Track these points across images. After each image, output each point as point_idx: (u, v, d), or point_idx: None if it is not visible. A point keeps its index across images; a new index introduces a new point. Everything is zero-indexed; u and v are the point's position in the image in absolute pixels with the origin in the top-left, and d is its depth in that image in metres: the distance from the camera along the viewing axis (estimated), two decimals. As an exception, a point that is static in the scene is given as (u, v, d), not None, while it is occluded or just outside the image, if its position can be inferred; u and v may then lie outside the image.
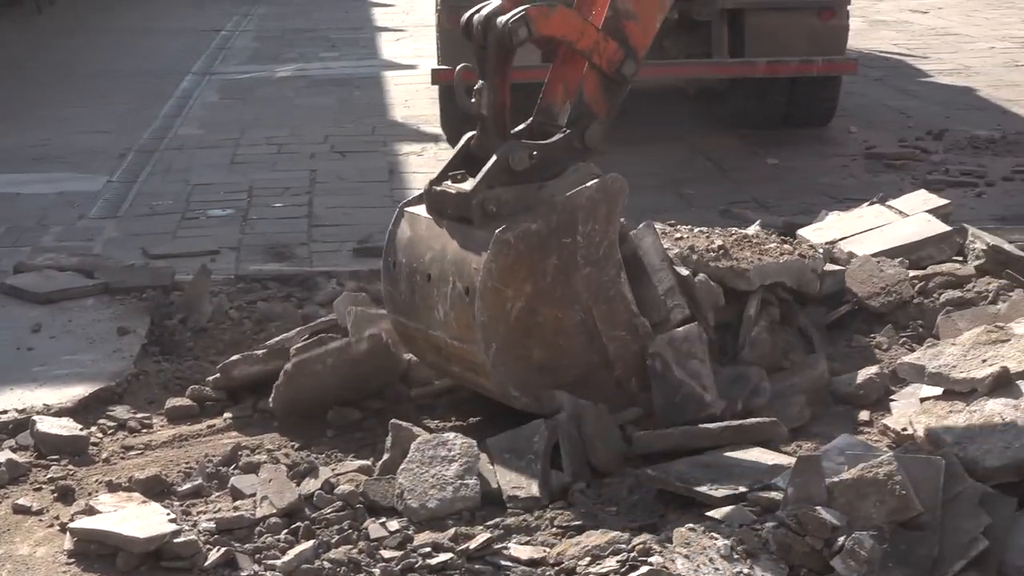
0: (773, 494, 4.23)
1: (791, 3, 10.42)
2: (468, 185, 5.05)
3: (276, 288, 7.02)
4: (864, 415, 5.19)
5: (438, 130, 11.27)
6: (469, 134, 5.27)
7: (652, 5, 5.28)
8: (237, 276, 7.28)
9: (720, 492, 4.33)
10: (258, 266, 7.66)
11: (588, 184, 5.06)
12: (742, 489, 4.34)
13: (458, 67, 5.19)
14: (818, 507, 3.98)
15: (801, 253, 5.96)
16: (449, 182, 5.17)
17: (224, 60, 16.28)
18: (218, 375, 5.62)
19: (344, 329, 5.60)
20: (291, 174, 10.13)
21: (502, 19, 4.99)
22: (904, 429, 4.77)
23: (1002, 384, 4.54)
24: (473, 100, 5.12)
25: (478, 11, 5.15)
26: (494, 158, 4.99)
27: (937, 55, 15.51)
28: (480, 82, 5.12)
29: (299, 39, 17.96)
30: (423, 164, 10.39)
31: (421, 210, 5.31)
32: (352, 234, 8.25)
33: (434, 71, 10.67)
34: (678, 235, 6.02)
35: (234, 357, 5.63)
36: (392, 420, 4.90)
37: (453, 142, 10.88)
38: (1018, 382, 4.55)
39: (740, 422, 4.85)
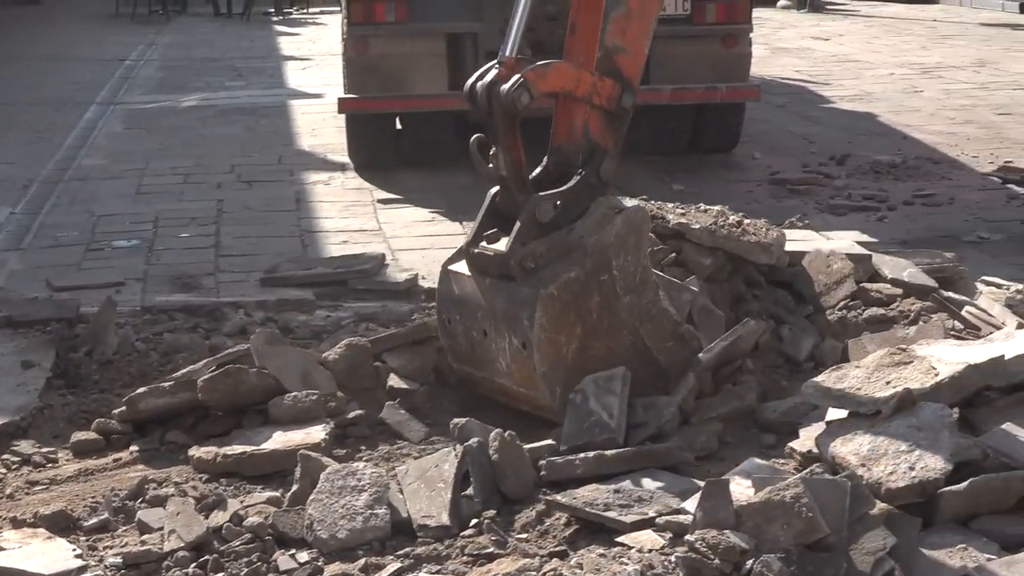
0: (682, 518, 4.25)
1: (695, 32, 10.51)
2: (503, 245, 5.29)
3: (183, 319, 6.94)
4: (771, 438, 5.22)
5: (345, 159, 11.25)
6: (493, 191, 5.49)
7: (639, 35, 5.51)
8: (143, 307, 7.20)
9: (629, 517, 4.34)
10: (164, 297, 7.57)
11: (614, 221, 5.31)
12: (651, 514, 4.36)
13: (472, 138, 5.39)
14: (727, 531, 4.00)
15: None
16: (485, 243, 5.41)
17: (129, 90, 16.16)
18: (124, 408, 5.55)
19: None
20: (197, 204, 10.06)
21: (504, 88, 5.19)
22: (810, 452, 4.81)
23: (905, 406, 4.59)
24: (491, 165, 5.35)
25: (480, 79, 5.35)
26: (522, 216, 5.24)
27: (839, 81, 15.71)
28: (493, 147, 5.33)
29: (205, 68, 17.87)
30: (330, 193, 10.37)
31: (462, 267, 5.55)
32: (259, 264, 8.20)
33: (341, 100, 10.68)
34: (680, 210, 6.39)
35: (140, 390, 5.56)
36: (301, 451, 4.88)
37: (360, 170, 10.95)
38: (921, 403, 4.60)
39: (649, 447, 4.88)
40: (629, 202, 5.63)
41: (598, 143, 5.43)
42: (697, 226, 6.17)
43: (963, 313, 6.17)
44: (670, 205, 6.57)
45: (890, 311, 6.21)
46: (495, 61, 5.36)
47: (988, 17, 23.23)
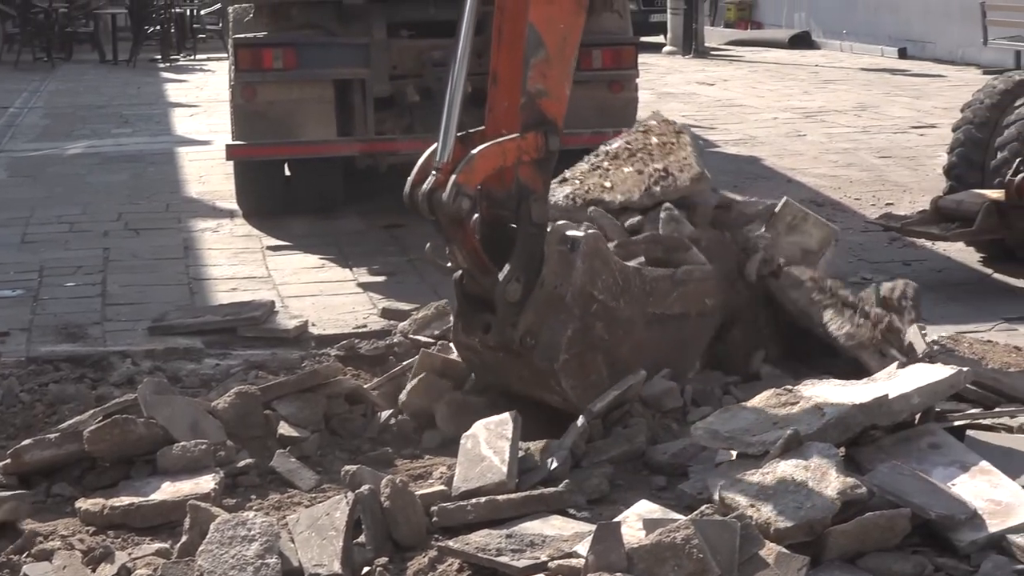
0: (574, 562, 4.25)
1: (581, 77, 10.51)
2: (488, 335, 5.52)
3: (69, 369, 6.85)
4: (661, 480, 5.24)
5: (234, 205, 11.18)
6: (457, 275, 5.63)
7: (560, 78, 5.69)
8: (28, 358, 7.09)
9: (522, 562, 4.33)
10: (50, 347, 7.46)
11: (576, 264, 5.50)
12: (544, 558, 4.35)
13: (426, 248, 5.74)
14: (618, 573, 4.01)
15: None
16: (465, 336, 5.67)
17: (13, 138, 15.94)
18: (9, 460, 5.45)
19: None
20: (84, 252, 9.93)
21: (443, 197, 5.26)
22: (700, 493, 4.84)
23: (792, 446, 4.64)
24: (449, 263, 5.59)
25: (417, 187, 5.44)
26: (497, 307, 5.43)
27: (724, 126, 15.90)
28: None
29: (91, 116, 17.69)
30: (219, 240, 10.29)
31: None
32: (147, 312, 8.11)
33: (229, 146, 10.61)
34: (607, 183, 6.66)
35: (26, 441, 5.47)
36: (190, 501, 4.82)
37: (248, 217, 10.88)
38: (808, 443, 4.65)
39: (540, 491, 4.87)
40: (572, 231, 5.66)
41: (527, 186, 5.52)
42: (636, 196, 6.44)
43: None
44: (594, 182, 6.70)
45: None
46: (433, 166, 5.44)
47: (868, 62, 23.64)
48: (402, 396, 6.00)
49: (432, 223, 5.48)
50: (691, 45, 25.06)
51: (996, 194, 8.45)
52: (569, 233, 5.61)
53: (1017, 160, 8.53)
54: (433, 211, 5.35)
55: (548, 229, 5.58)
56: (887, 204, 11.00)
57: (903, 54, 24.24)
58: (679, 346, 5.81)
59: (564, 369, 5.39)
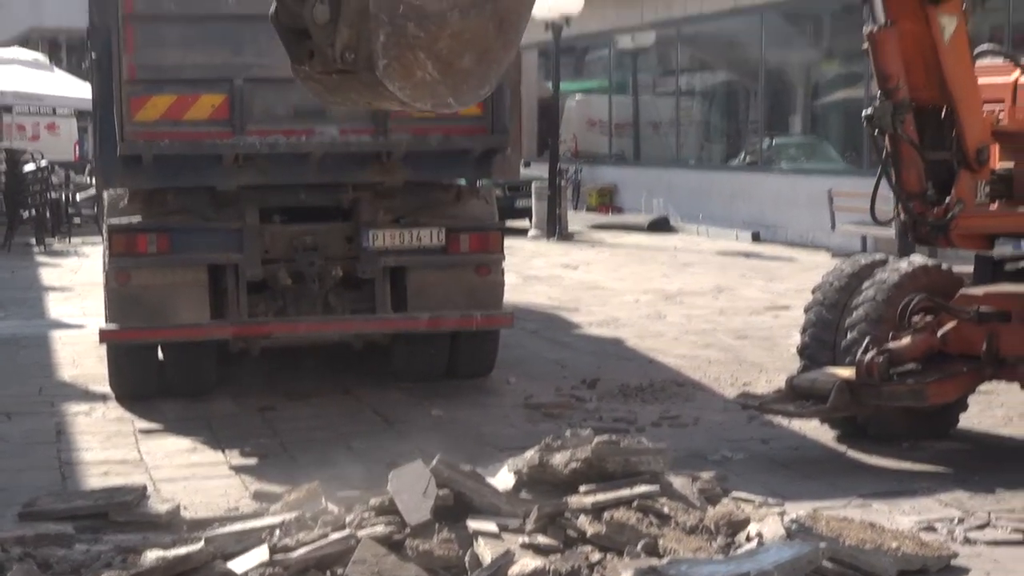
0: None
1: (449, 261, 10.68)
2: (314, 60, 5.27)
3: (-64, 557, 6.64)
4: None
5: (107, 389, 11.00)
6: (272, 9, 5.34)
7: None
8: None
9: None
10: (-84, 535, 7.23)
11: None
12: None
13: None
14: None
15: None
16: (299, 67, 5.39)
17: None
18: None
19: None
20: (-47, 438, 9.71)
21: None
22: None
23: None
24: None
25: None
26: (311, 32, 5.18)
27: (588, 308, 16.06)
28: None
29: (-37, 299, 17.41)
30: (91, 424, 10.11)
31: None
32: (17, 497, 7.89)
33: (102, 330, 10.48)
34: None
35: None
36: None
37: (122, 400, 10.72)
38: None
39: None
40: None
41: None
42: None
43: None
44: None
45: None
46: None
47: (724, 246, 24.11)
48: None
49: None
50: (555, 229, 25.40)
51: (848, 373, 8.60)
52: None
53: (866, 340, 8.70)
54: None
55: None
56: (744, 384, 11.15)
57: (756, 238, 24.78)
58: (498, 25, 5.53)
59: (387, 74, 5.21)
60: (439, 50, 5.35)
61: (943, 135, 8.38)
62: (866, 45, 8.24)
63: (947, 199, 8.36)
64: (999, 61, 9.02)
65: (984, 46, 9.01)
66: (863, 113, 8.35)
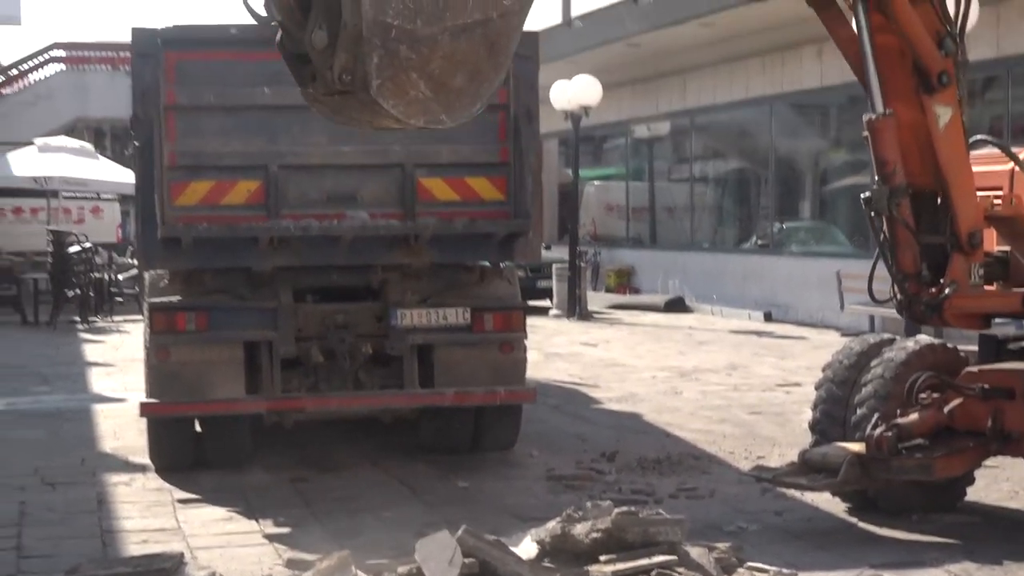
0: None
1: (474, 339, 10.69)
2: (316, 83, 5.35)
3: (-19, 622, 6.62)
4: None
5: (146, 460, 11.00)
6: (278, 37, 5.39)
7: None
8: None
9: None
10: (-37, 600, 7.23)
11: None
12: None
13: None
14: None
15: None
16: (304, 90, 5.42)
17: (-66, 395, 15.67)
18: None
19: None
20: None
21: None
22: None
23: None
24: None
25: None
26: (312, 57, 5.26)
27: (607, 384, 16.03)
28: None
29: (11, 375, 17.44)
30: (131, 494, 10.11)
31: None
32: (60, 565, 7.88)
33: (142, 404, 10.50)
34: None
35: None
36: None
37: (160, 471, 10.71)
38: None
39: None
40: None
41: None
42: None
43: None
44: None
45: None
46: None
47: (737, 325, 24.09)
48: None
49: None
50: (575, 309, 25.42)
51: (858, 447, 8.56)
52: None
53: (875, 416, 8.66)
54: None
55: None
56: (758, 457, 11.09)
57: (768, 317, 24.74)
58: (489, 48, 5.59)
59: (381, 93, 5.26)
60: (431, 71, 5.45)
61: (938, 219, 8.40)
62: (866, 133, 8.27)
63: (941, 280, 8.35)
64: (995, 151, 9.04)
65: (979, 136, 9.04)
66: (862, 196, 8.39)
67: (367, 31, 5.28)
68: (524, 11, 5.85)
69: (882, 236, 8.45)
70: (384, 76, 5.32)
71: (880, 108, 8.20)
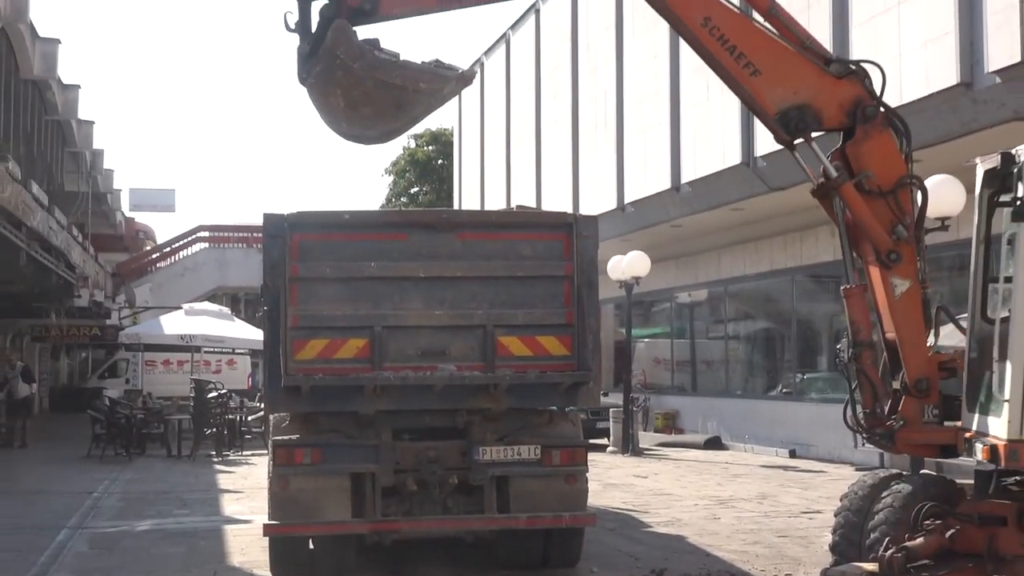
0: None
1: (544, 472, 10.61)
2: (304, 75, 7.48)
3: None
4: None
5: (268, 574, 10.93)
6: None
7: None
8: None
9: None
10: None
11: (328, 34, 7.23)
12: None
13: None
14: None
15: None
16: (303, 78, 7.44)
17: (94, 516, 15.69)
18: None
19: None
20: (145, 611, 9.64)
21: None
22: None
23: None
24: None
25: None
26: (297, 62, 7.44)
27: (655, 510, 15.79)
28: None
29: (157, 499, 17.49)
30: (255, 601, 10.03)
31: None
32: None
33: (266, 525, 10.47)
34: None
35: None
36: None
37: (280, 584, 10.65)
38: None
39: None
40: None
41: None
42: None
43: None
44: None
45: None
46: None
47: (766, 460, 23.73)
48: None
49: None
50: (629, 446, 25.19)
51: (871, 567, 8.34)
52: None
53: (886, 539, 8.46)
54: None
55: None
56: (787, 574, 10.83)
57: (793, 454, 24.37)
58: (398, 105, 6.85)
59: (312, 88, 6.81)
60: (351, 95, 6.81)
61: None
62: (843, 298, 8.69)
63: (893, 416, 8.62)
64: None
65: (940, 305, 9.05)
66: (836, 347, 8.80)
67: (322, 52, 6.90)
68: (436, 96, 7.20)
69: (849, 378, 8.77)
70: (319, 79, 6.85)
71: (852, 279, 8.64)
